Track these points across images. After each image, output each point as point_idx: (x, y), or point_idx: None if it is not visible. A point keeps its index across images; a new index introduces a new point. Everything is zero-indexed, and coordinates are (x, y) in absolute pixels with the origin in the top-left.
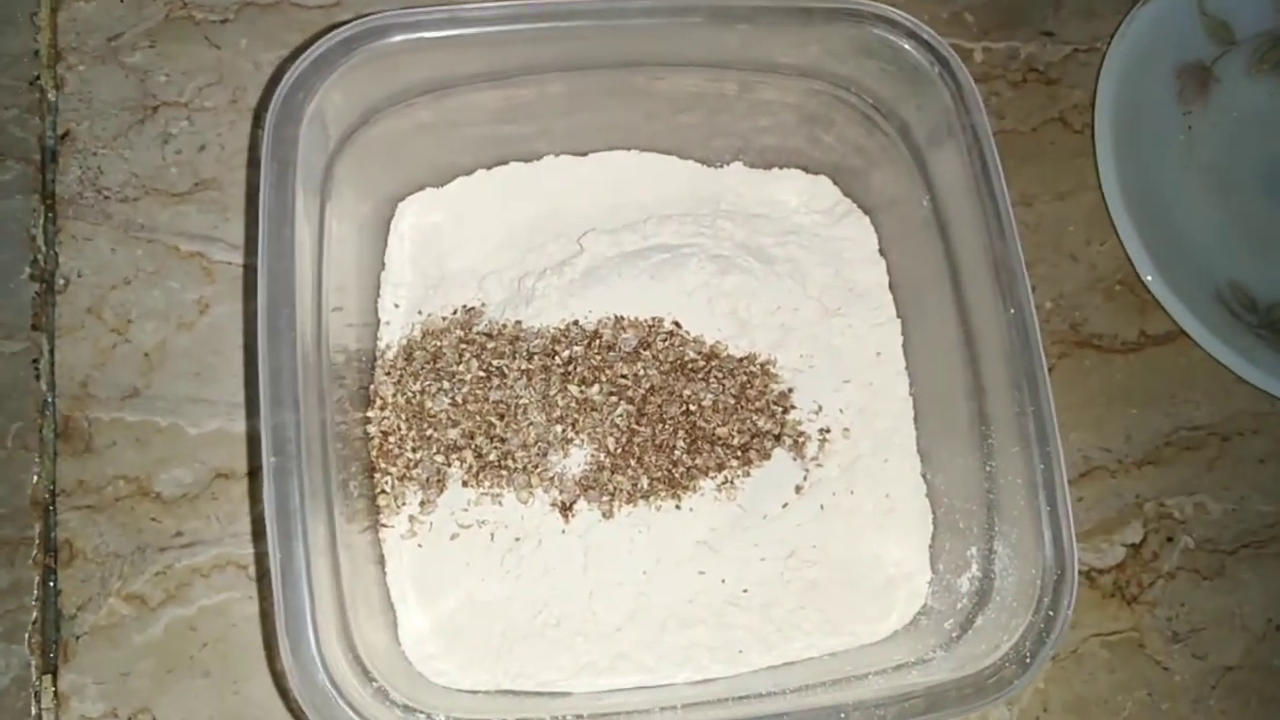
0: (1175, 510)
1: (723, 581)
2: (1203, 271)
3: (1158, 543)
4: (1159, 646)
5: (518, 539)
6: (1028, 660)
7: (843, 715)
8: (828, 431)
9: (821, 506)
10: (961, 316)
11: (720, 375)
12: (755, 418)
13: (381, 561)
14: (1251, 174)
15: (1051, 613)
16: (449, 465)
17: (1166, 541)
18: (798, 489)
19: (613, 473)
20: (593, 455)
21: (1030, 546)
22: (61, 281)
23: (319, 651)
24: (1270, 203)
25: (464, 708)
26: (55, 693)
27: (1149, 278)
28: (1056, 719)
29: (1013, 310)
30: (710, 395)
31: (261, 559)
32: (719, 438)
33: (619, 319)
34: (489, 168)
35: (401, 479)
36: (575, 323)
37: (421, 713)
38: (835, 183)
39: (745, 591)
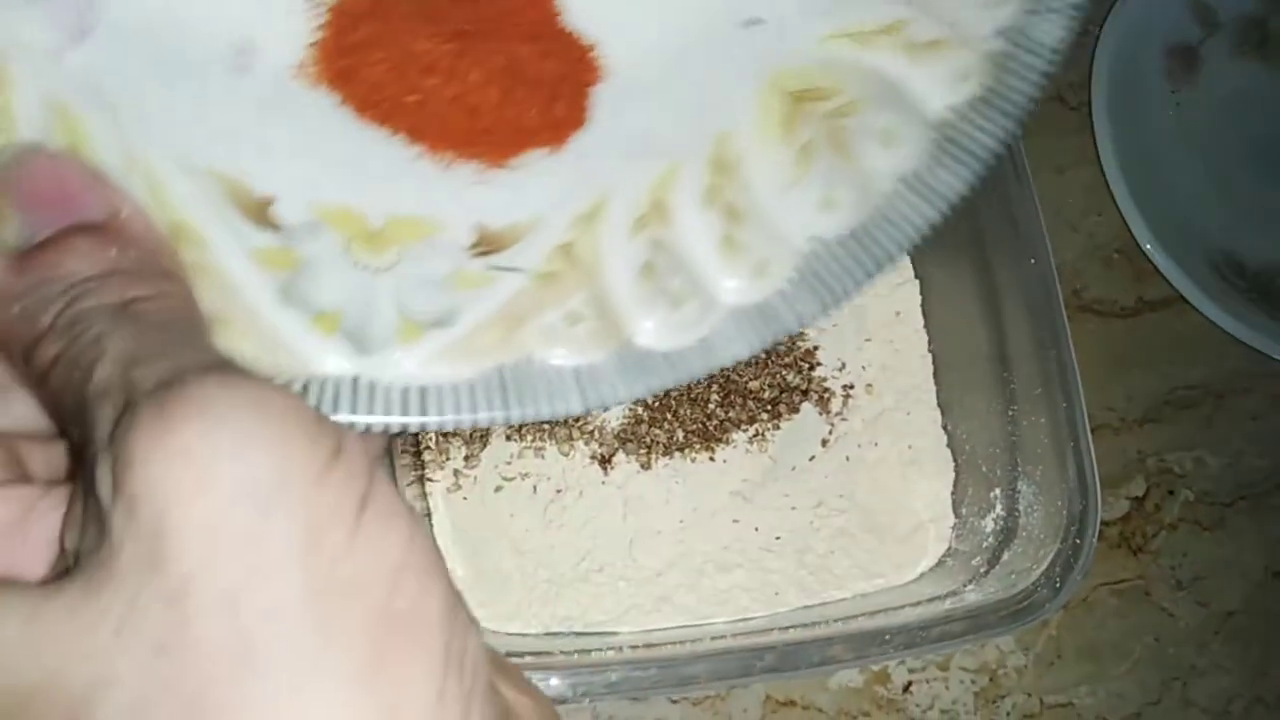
0: (1175, 465)
1: (756, 529)
2: (1196, 240)
3: (1159, 496)
4: (1164, 594)
5: (560, 490)
6: (1058, 585)
7: (887, 637)
8: (851, 388)
9: (847, 458)
10: (980, 271)
11: None
12: (784, 373)
13: (428, 515)
14: (1236, 151)
15: (1079, 540)
16: None
17: (1168, 495)
18: (824, 442)
19: (650, 426)
20: (630, 409)
21: (1055, 480)
22: None
23: None
24: (1254, 179)
25: (517, 647)
26: None
27: (1148, 246)
28: (1070, 663)
29: (1033, 260)
30: None
31: None
32: (750, 391)
33: None
34: None
35: (446, 435)
36: None
37: None
38: None
39: (778, 539)
